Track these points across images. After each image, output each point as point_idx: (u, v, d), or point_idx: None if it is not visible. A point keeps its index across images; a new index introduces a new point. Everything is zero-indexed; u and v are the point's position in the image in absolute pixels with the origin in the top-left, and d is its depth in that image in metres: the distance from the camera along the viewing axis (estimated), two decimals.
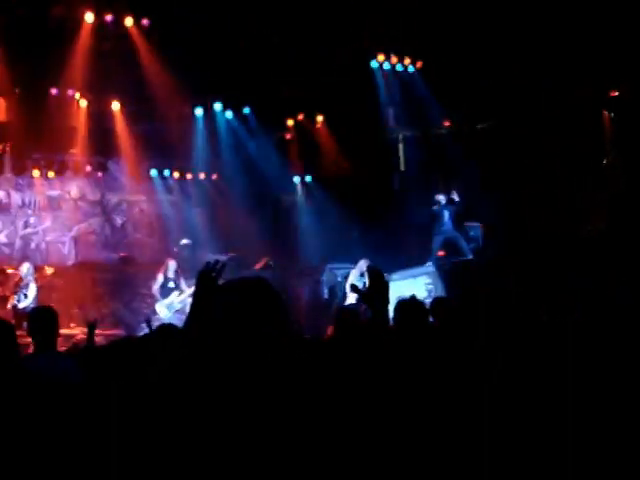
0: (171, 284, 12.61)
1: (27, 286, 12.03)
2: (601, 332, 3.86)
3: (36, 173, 15.00)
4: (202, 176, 16.67)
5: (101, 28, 13.19)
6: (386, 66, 15.10)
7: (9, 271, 13.14)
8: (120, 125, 14.97)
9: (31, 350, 5.11)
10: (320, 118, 16.55)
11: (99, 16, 13.00)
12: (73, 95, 14.24)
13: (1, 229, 15.15)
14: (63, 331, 11.39)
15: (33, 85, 13.42)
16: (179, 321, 9.80)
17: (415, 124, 16.12)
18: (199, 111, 15.61)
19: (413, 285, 12.53)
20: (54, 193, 15.71)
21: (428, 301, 6.84)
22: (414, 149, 16.31)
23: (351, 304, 11.10)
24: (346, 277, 13.47)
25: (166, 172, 16.42)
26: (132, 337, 5.63)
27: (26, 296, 11.89)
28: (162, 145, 15.18)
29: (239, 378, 2.35)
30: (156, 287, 12.70)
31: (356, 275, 12.26)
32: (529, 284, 9.57)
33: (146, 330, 8.74)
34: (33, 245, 15.42)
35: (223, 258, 13.00)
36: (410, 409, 2.84)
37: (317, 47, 13.54)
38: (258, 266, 14.99)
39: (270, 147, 16.19)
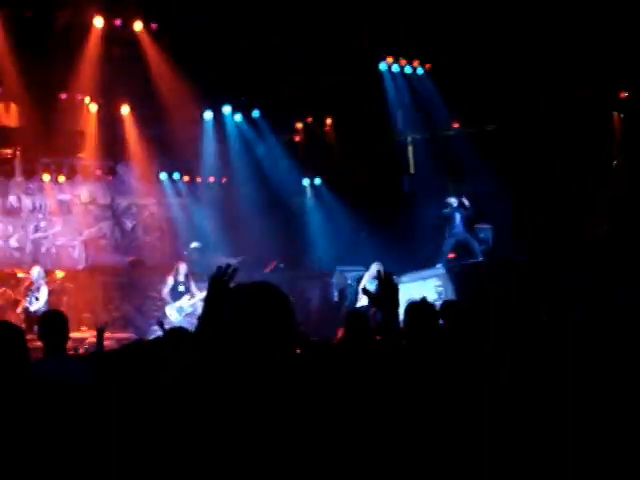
0: (181, 287, 12.62)
1: (38, 289, 12.08)
2: (601, 332, 3.85)
3: (46, 177, 15.05)
4: (212, 179, 16.69)
5: (110, 33, 13.24)
6: (395, 68, 15.10)
7: (20, 275, 13.19)
8: (130, 129, 15.02)
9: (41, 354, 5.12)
10: (329, 121, 16.56)
11: (108, 21, 13.04)
12: (83, 99, 14.30)
13: (12, 233, 15.20)
14: (74, 334, 11.51)
15: (43, 90, 13.46)
16: (189, 325, 9.81)
17: (424, 126, 16.11)
18: (208, 114, 15.64)
19: (423, 287, 12.52)
20: (64, 197, 15.75)
21: (438, 303, 6.83)
22: (423, 151, 16.30)
23: (362, 306, 11.11)
24: (357, 280, 13.47)
25: (176, 175, 16.44)
26: (143, 340, 5.65)
27: (37, 299, 11.94)
28: (171, 149, 15.21)
29: (249, 382, 2.35)
30: (166, 290, 12.71)
31: (369, 278, 12.26)
32: (532, 285, 9.56)
33: (158, 332, 8.77)
34: (44, 249, 15.47)
35: (233, 261, 13.02)
36: (419, 412, 2.84)
37: (326, 50, 13.55)
38: (268, 269, 15.01)
39: (279, 150, 16.20)
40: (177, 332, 4.40)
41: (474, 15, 12.96)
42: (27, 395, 3.24)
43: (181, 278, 12.66)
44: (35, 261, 14.31)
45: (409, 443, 2.67)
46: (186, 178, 16.60)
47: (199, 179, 16.68)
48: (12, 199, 15.27)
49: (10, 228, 15.20)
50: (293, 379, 2.37)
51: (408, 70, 15.13)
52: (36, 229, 15.49)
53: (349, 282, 14.08)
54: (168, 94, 13.77)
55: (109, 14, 12.97)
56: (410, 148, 16.71)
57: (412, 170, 16.70)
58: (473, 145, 14.90)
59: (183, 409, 2.42)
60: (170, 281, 12.68)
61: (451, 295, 12.47)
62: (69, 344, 5.35)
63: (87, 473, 2.78)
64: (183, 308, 12.50)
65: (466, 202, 13.82)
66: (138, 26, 13.30)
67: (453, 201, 13.68)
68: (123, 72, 13.49)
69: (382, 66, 15.05)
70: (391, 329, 2.98)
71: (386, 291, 3.05)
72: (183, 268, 12.75)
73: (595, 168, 13.56)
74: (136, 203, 16.62)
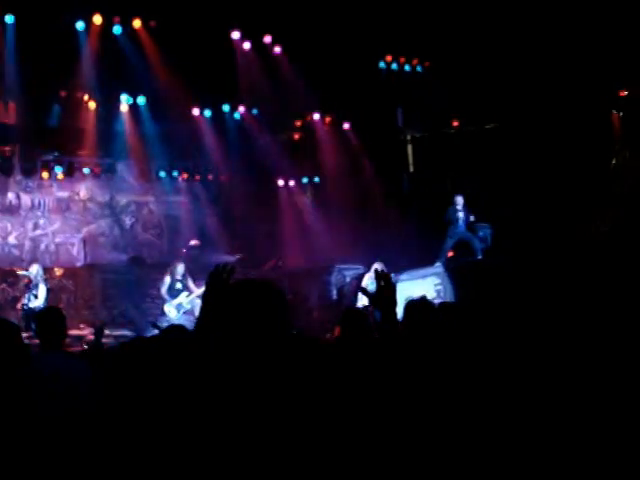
0: (179, 285, 12.63)
1: (37, 287, 12.07)
2: (602, 332, 3.86)
3: (45, 175, 15.06)
4: (210, 177, 16.68)
5: (109, 30, 13.24)
6: (394, 66, 15.09)
7: (19, 272, 13.18)
8: (128, 126, 15.02)
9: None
10: (328, 119, 16.56)
11: (107, 18, 13.04)
12: (82, 97, 14.30)
13: (11, 231, 15.20)
14: (73, 332, 11.52)
15: (42, 87, 13.46)
16: (188, 322, 9.82)
17: (423, 125, 16.11)
18: (207, 112, 15.63)
19: (422, 286, 12.50)
20: (63, 195, 15.75)
21: (437, 301, 6.82)
22: (423, 150, 16.29)
23: (363, 306, 11.09)
24: (355, 278, 13.46)
25: (174, 173, 16.44)
26: (141, 338, 5.64)
27: (36, 297, 11.93)
28: (170, 146, 15.22)
29: (247, 377, 2.35)
30: (164, 289, 12.73)
31: (370, 278, 12.23)
32: (532, 285, 9.56)
33: (154, 332, 8.78)
34: (43, 247, 15.46)
35: (232, 259, 13.03)
36: (417, 408, 2.84)
37: (325, 48, 13.53)
38: (267, 267, 15.01)
39: (278, 148, 16.19)
40: (174, 330, 4.40)
41: (474, 13, 12.97)
42: (20, 390, 3.24)
43: (178, 277, 12.67)
44: (34, 259, 14.29)
45: (405, 439, 2.67)
46: (185, 176, 16.59)
47: (198, 177, 16.68)
48: (11, 196, 15.26)
49: (9, 226, 15.19)
50: (289, 374, 2.38)
51: (407, 68, 15.12)
52: (35, 227, 15.48)
53: (348, 280, 14.07)
54: (167, 91, 13.77)
55: (108, 12, 12.98)
56: (409, 147, 16.71)
57: (411, 168, 16.71)
58: (472, 143, 14.90)
59: (180, 404, 2.42)
60: (167, 280, 12.70)
61: (450, 294, 12.47)
62: (67, 341, 5.35)
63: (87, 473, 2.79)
64: (182, 305, 12.52)
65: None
66: (137, 24, 13.31)
67: (460, 200, 13.60)
68: (122, 70, 13.50)
69: (381, 64, 15.04)
70: (388, 328, 3.00)
71: (384, 290, 3.07)
72: (180, 267, 12.75)
73: (594, 166, 13.54)
74: (135, 200, 16.62)
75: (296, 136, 16.98)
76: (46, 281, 12.46)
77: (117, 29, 13.28)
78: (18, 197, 15.33)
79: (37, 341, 5.18)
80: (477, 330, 3.96)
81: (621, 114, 13.97)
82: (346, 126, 16.34)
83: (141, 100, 14.76)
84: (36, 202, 15.49)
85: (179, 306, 12.52)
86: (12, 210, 15.28)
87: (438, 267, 13.31)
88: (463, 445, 2.91)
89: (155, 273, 13.96)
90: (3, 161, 14.52)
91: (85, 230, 15.93)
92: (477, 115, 15.11)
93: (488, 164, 14.32)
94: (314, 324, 13.05)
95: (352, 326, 5.28)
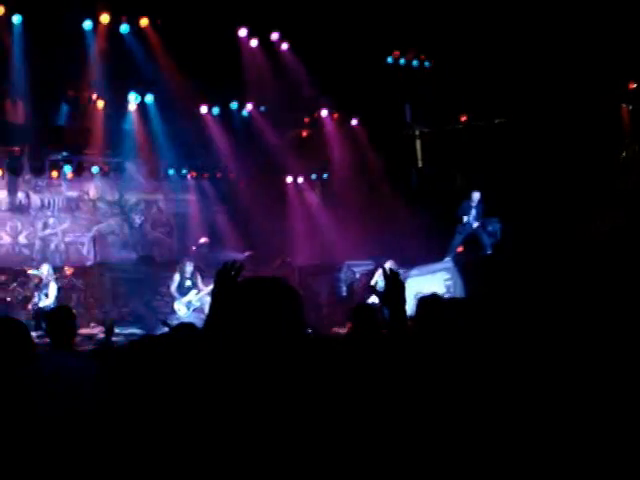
0: (188, 283, 12.66)
1: (47, 286, 12.10)
2: (602, 332, 3.84)
3: (54, 174, 15.10)
4: (219, 174, 16.70)
5: (117, 29, 13.27)
6: (402, 62, 15.06)
7: (29, 272, 13.22)
8: (137, 125, 15.04)
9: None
10: (336, 115, 16.54)
11: (114, 17, 13.06)
12: (90, 96, 14.32)
13: (21, 230, 15.25)
14: (83, 331, 11.56)
15: (50, 87, 13.49)
16: (198, 319, 9.84)
17: (432, 120, 16.07)
18: (215, 110, 15.64)
19: (432, 281, 12.50)
20: (73, 194, 15.79)
21: (447, 297, 6.81)
22: (431, 145, 16.25)
23: (372, 303, 11.07)
24: (365, 274, 13.44)
25: (183, 171, 16.46)
26: (150, 336, 5.65)
27: (47, 296, 11.97)
28: (179, 144, 15.23)
29: (257, 375, 2.35)
30: (173, 287, 12.76)
31: (380, 275, 12.21)
32: (539, 281, 9.52)
33: (165, 330, 8.78)
34: (52, 246, 15.51)
35: (241, 257, 13.05)
36: (423, 405, 2.83)
37: (332, 44, 13.52)
38: (276, 264, 15.01)
39: (287, 144, 16.18)
40: (184, 327, 4.39)
41: (481, 8, 12.92)
42: (29, 387, 3.24)
43: (187, 274, 12.70)
44: (44, 258, 14.35)
45: (412, 435, 2.66)
46: (194, 173, 16.61)
47: (206, 175, 16.70)
48: (21, 196, 15.30)
49: (19, 225, 15.24)
50: (300, 372, 2.37)
51: (415, 63, 15.09)
52: (45, 226, 15.52)
53: (357, 277, 14.06)
54: (175, 90, 13.79)
55: (115, 11, 13.00)
56: (418, 142, 16.68)
57: (420, 164, 16.68)
58: (481, 138, 14.85)
59: (192, 402, 2.42)
60: (176, 278, 12.73)
61: (460, 289, 12.44)
62: (77, 340, 5.36)
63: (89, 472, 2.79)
64: (191, 303, 12.55)
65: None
66: (144, 22, 13.34)
67: (476, 197, 13.52)
68: (130, 68, 13.52)
69: (389, 60, 15.02)
70: (397, 325, 3.01)
71: (392, 288, 3.08)
72: (189, 265, 12.78)
73: (604, 160, 13.47)
74: (144, 199, 16.65)
75: (304, 133, 16.97)
76: (56, 280, 12.49)
77: (124, 28, 13.34)
78: (28, 196, 15.37)
79: (48, 340, 5.20)
80: (487, 325, 3.94)
81: (630, 107, 13.90)
82: (354, 122, 16.34)
83: (149, 99, 14.83)
84: (46, 201, 15.54)
85: (189, 304, 12.56)
86: (22, 209, 15.33)
87: (448, 262, 13.28)
88: (471, 442, 2.90)
89: (165, 271, 13.99)
90: (12, 161, 14.55)
91: (95, 229, 15.97)
92: (485, 110, 15.07)
93: (497, 159, 14.27)
94: (324, 321, 13.05)
95: (362, 322, 5.29)
